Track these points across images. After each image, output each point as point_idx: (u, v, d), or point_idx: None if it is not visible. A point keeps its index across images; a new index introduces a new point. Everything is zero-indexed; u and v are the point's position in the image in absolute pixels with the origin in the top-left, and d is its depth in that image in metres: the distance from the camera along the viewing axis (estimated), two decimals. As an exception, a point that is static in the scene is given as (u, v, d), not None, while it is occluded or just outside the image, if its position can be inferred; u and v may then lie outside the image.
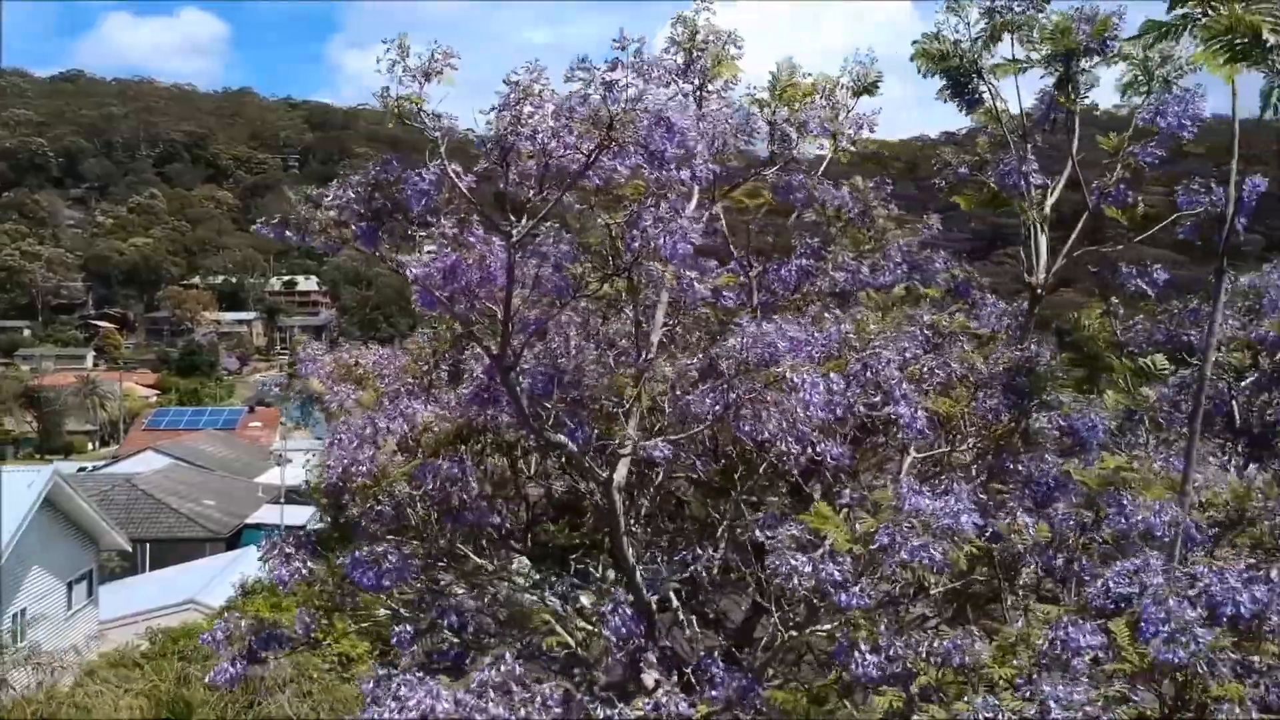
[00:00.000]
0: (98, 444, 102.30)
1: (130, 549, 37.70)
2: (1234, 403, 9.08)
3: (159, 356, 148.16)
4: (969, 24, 9.74)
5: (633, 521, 8.36)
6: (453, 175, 5.54)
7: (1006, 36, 9.69)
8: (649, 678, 7.29)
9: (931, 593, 7.30)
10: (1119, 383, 9.55)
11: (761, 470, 7.77)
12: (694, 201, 7.07)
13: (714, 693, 6.29)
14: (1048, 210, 9.66)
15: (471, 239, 5.99)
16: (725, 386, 6.27)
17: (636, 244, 5.74)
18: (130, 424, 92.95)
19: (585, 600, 8.07)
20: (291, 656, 19.33)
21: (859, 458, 8.62)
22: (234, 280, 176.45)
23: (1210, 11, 7.67)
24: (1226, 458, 8.53)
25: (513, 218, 5.66)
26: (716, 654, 6.93)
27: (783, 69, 7.24)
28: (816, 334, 7.03)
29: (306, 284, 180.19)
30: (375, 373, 9.84)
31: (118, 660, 21.44)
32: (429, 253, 6.16)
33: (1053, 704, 5.25)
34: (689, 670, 6.81)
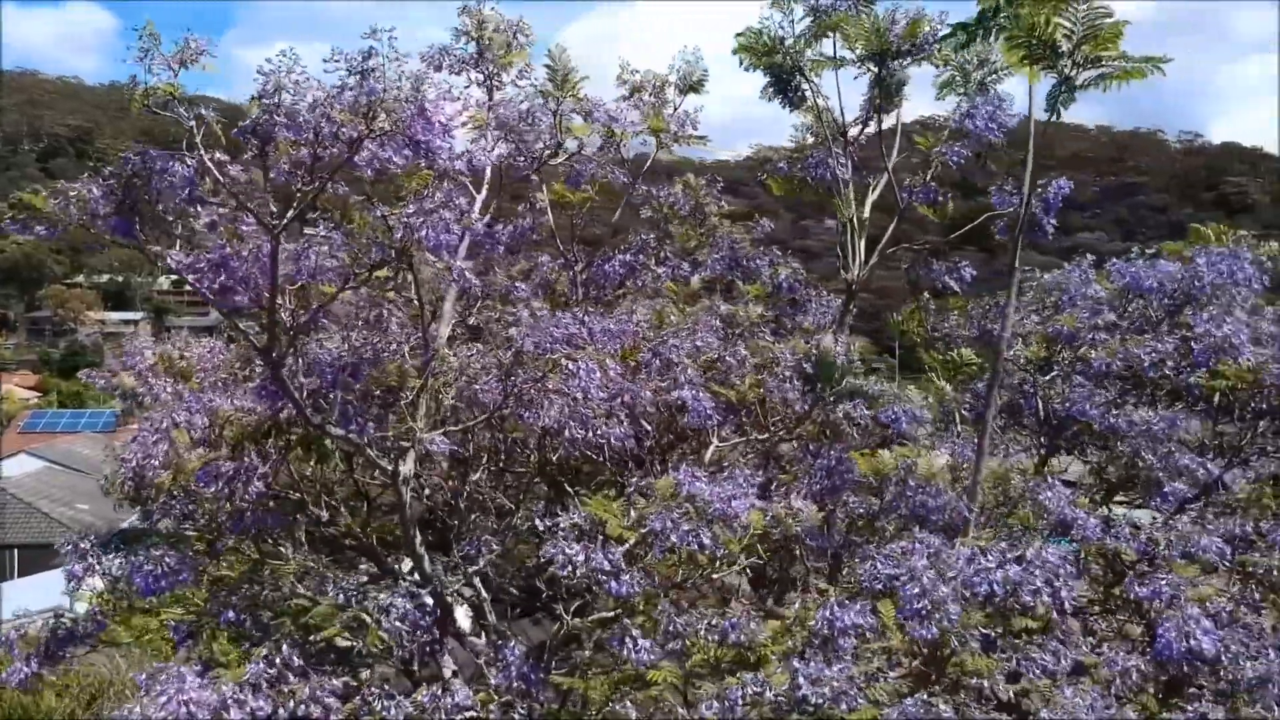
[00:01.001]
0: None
1: (-7, 555, 36.34)
2: (1038, 396, 9.42)
3: (40, 357, 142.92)
4: (793, 21, 9.90)
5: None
6: (212, 165, 5.47)
7: (830, 34, 9.88)
8: (447, 669, 7.31)
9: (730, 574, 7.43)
10: (932, 377, 9.85)
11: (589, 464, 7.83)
12: (484, 193, 7.09)
13: (495, 681, 6.31)
14: (867, 211, 9.88)
15: (244, 229, 5.91)
16: (505, 375, 6.31)
17: (399, 234, 5.72)
18: (6, 426, 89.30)
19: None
20: (154, 660, 18.86)
21: (677, 449, 8.76)
22: (120, 279, 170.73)
23: (1018, 15, 7.99)
24: (1021, 447, 8.88)
25: (277, 208, 5.60)
26: (514, 644, 6.95)
27: (560, 60, 7.25)
28: (612, 325, 7.11)
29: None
30: (199, 366, 9.70)
31: (-35, 670, 20.57)
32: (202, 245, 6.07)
33: (801, 680, 5.40)
34: (480, 660, 6.85)
